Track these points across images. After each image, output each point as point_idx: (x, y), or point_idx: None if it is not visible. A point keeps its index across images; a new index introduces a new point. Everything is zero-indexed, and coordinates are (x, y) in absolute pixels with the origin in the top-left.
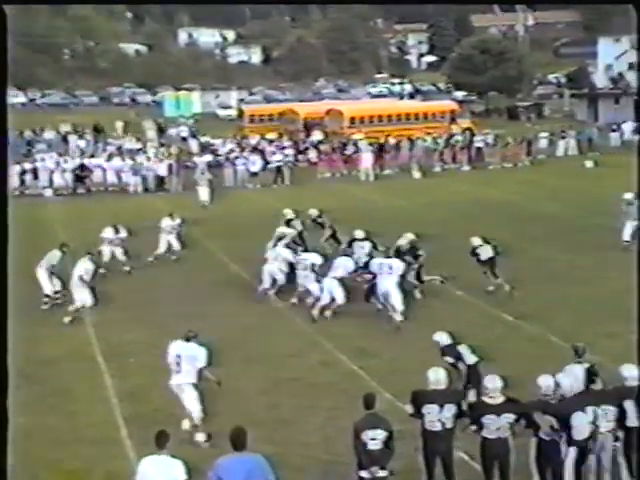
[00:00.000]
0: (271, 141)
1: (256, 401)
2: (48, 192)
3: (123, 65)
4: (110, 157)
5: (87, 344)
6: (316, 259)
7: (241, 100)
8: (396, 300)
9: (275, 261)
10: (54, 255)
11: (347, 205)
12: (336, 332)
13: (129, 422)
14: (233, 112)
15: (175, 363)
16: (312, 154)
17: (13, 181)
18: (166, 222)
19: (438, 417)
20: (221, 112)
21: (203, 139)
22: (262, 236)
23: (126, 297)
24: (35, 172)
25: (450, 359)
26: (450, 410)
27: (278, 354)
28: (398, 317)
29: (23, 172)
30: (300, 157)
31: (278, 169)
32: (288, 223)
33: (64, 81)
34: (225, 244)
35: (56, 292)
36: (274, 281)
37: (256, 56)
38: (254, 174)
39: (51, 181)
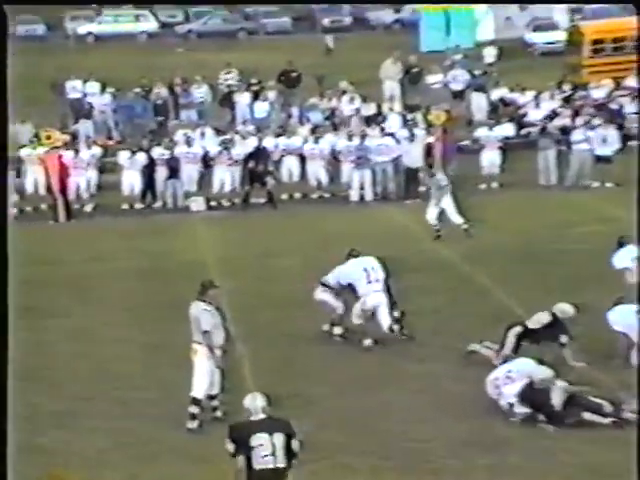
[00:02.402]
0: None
1: None
2: (197, 204)
3: None
4: (316, 134)
5: None
6: None
7: (573, 13)
8: None
9: None
10: (198, 313)
11: None
12: None
13: None
14: (559, 37)
15: None
16: None
17: (129, 181)
18: None
19: None
20: (534, 37)
21: (496, 92)
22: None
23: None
24: (172, 165)
25: None
26: None
27: None
28: None
29: (150, 164)
30: None
31: None
32: None
33: None
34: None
35: (211, 397)
36: None
37: None
38: (604, 159)
39: (201, 182)
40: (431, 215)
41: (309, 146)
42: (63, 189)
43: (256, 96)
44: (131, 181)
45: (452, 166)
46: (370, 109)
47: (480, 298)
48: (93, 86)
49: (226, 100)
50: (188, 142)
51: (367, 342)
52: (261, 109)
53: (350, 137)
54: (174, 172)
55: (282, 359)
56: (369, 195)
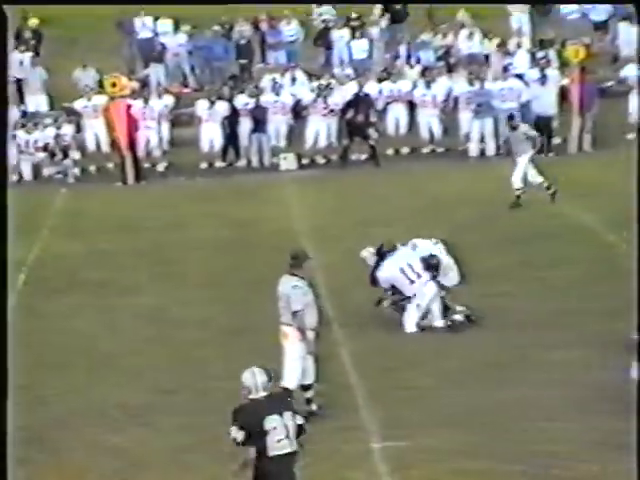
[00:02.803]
0: None
1: None
2: (287, 161)
3: None
4: (427, 78)
5: None
6: None
7: None
8: None
9: None
10: (288, 289)
11: None
12: None
13: None
14: None
15: None
16: None
17: (208, 135)
18: None
19: None
20: None
21: None
22: None
23: None
24: (258, 116)
25: None
26: None
27: None
28: None
29: (232, 115)
30: None
31: None
32: None
33: None
34: None
35: (304, 387)
36: None
37: None
38: None
39: (291, 136)
40: (517, 177)
41: (419, 92)
42: (131, 145)
43: (355, 33)
44: (210, 135)
45: (592, 112)
46: (493, 46)
47: (626, 270)
48: (165, 24)
49: (321, 38)
50: (276, 89)
51: (458, 317)
52: (361, 48)
53: (470, 81)
54: (260, 124)
55: (384, 344)
56: (491, 149)
